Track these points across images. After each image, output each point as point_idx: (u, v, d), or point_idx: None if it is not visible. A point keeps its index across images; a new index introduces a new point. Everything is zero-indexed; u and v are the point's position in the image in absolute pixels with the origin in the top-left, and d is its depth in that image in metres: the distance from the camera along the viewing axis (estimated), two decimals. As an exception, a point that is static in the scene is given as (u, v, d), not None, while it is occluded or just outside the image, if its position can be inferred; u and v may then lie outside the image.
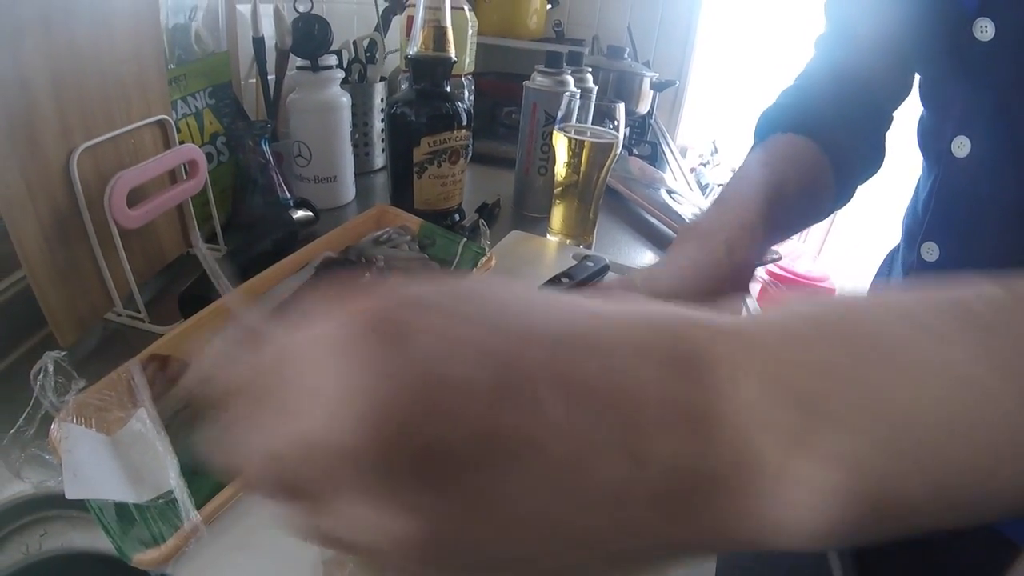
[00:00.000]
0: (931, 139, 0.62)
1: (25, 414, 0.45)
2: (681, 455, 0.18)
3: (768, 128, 0.61)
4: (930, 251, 0.61)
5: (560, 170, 0.87)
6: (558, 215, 0.92)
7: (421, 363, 0.17)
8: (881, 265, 0.82)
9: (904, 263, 0.68)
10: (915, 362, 0.19)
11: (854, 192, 0.65)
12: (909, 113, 0.66)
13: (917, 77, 0.63)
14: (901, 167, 0.74)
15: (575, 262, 0.79)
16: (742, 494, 0.18)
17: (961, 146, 0.55)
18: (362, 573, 0.40)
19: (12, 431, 0.44)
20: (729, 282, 0.46)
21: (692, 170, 2.86)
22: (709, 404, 0.19)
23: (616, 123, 0.84)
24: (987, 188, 0.54)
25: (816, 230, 2.95)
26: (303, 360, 0.19)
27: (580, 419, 0.18)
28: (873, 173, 0.66)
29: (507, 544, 0.19)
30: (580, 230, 0.92)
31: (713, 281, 0.45)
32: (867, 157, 0.64)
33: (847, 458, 0.18)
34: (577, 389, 0.18)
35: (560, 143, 0.85)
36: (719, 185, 2.38)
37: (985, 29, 0.50)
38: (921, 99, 0.64)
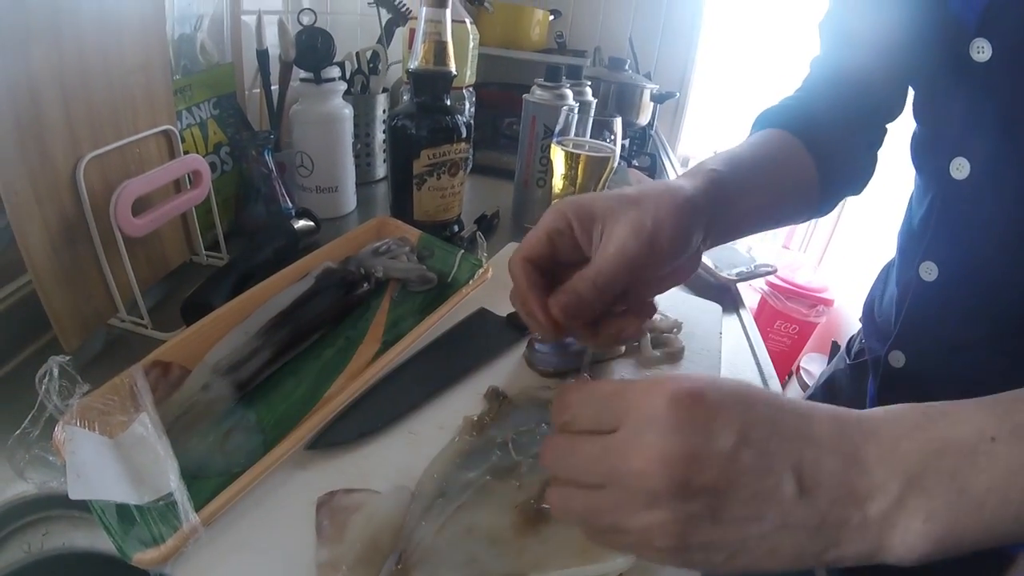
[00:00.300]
0: (927, 157, 0.63)
1: (30, 416, 0.45)
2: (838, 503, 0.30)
3: (761, 123, 0.62)
4: (929, 271, 0.61)
5: (557, 182, 0.88)
6: (555, 226, 0.93)
7: (710, 448, 0.31)
8: (876, 280, 0.82)
9: (900, 280, 0.68)
10: (976, 457, 0.29)
11: (836, 203, 0.66)
12: (910, 127, 0.67)
13: (911, 93, 0.64)
14: (904, 180, 0.74)
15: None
16: (865, 530, 0.30)
17: (960, 168, 0.55)
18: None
19: (17, 432, 0.45)
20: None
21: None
22: (859, 476, 0.30)
23: (613, 137, 0.86)
24: (987, 211, 0.55)
25: (817, 241, 2.95)
26: (640, 412, 0.32)
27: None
28: (859, 188, 0.66)
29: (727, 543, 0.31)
30: (576, 241, 0.93)
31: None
32: (855, 169, 0.65)
33: (926, 512, 0.29)
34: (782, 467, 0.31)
35: (557, 156, 0.86)
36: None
37: (982, 49, 0.50)
38: (915, 115, 0.64)
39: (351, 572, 0.41)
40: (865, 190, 0.68)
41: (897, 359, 0.68)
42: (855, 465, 0.30)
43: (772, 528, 0.30)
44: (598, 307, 0.44)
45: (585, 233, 0.44)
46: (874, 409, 0.33)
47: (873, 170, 0.67)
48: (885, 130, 0.66)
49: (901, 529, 0.29)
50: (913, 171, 0.68)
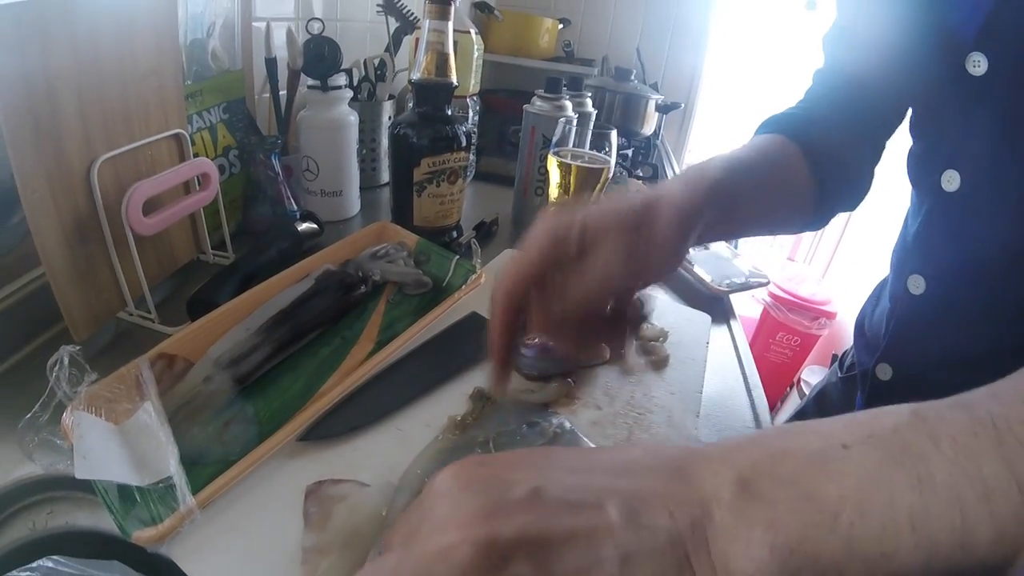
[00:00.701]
0: (921, 171, 0.63)
1: (40, 401, 0.48)
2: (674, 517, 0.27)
3: (764, 129, 0.63)
4: (916, 284, 0.62)
5: (553, 191, 0.91)
6: (551, 235, 0.95)
7: (507, 497, 0.27)
8: (870, 295, 0.83)
9: (891, 294, 0.69)
10: (825, 463, 0.27)
11: (829, 217, 0.66)
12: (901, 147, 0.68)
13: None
14: (908, 195, 0.75)
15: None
16: (710, 544, 0.26)
17: (950, 180, 0.56)
18: (341, 563, 0.43)
19: (28, 416, 0.48)
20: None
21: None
22: (687, 488, 0.28)
23: (608, 148, 0.88)
24: (974, 223, 0.55)
25: (821, 254, 2.96)
26: (427, 497, 0.29)
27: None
28: (853, 203, 0.67)
29: None
30: (572, 249, 0.96)
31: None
32: (851, 182, 0.65)
33: (766, 520, 0.26)
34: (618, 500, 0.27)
35: (553, 166, 0.89)
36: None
37: (978, 64, 0.50)
38: (911, 130, 0.65)
39: (337, 558, 0.43)
40: (864, 206, 0.68)
41: (884, 372, 0.69)
42: (680, 480, 0.28)
43: (616, 563, 0.25)
44: (584, 325, 0.44)
45: (574, 250, 0.45)
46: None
47: (868, 187, 0.67)
48: (883, 146, 0.67)
49: (743, 541, 0.25)
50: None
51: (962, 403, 0.28)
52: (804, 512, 0.25)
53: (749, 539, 0.25)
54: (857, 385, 0.80)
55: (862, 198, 0.68)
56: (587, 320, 0.44)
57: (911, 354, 0.66)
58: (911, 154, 0.66)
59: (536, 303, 0.45)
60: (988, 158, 0.52)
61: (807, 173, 0.60)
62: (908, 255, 0.65)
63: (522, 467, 0.29)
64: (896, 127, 0.66)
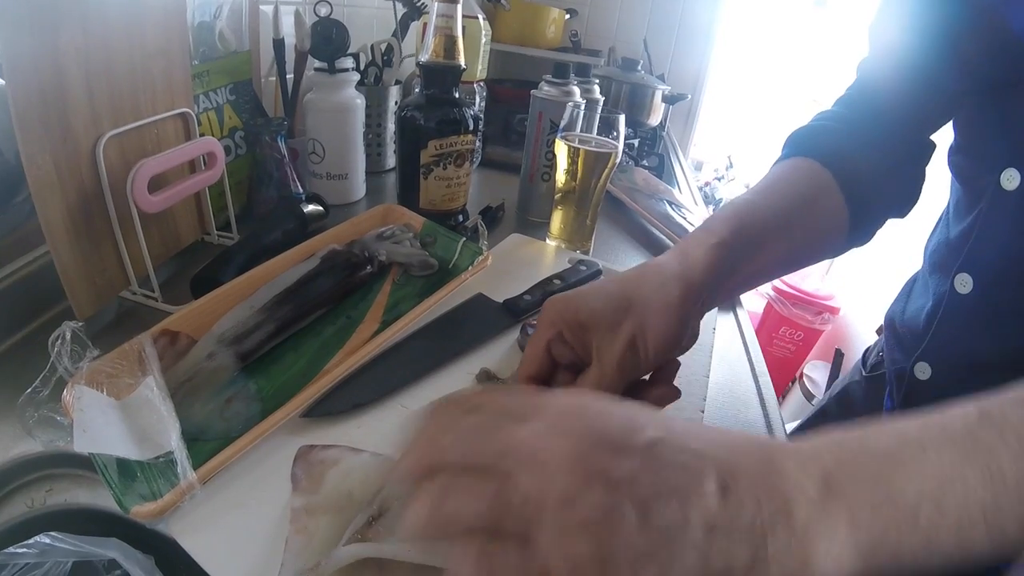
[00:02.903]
0: (976, 170, 0.62)
1: (41, 376, 0.48)
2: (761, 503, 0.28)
3: (790, 148, 0.62)
4: (964, 283, 0.61)
5: (560, 177, 0.90)
6: (557, 220, 0.95)
7: (630, 441, 0.29)
8: (899, 293, 0.82)
9: (935, 292, 0.67)
10: (905, 463, 0.27)
11: (875, 230, 0.64)
12: (941, 141, 0.65)
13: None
14: (928, 195, 0.73)
15: (569, 266, 0.82)
16: (791, 536, 0.27)
17: (1011, 179, 0.55)
18: (331, 523, 0.43)
19: (28, 391, 0.48)
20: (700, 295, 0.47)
21: (707, 184, 2.88)
22: (777, 477, 0.28)
23: (616, 133, 0.88)
24: None
25: (826, 250, 2.95)
26: (563, 401, 0.32)
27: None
28: (903, 209, 0.65)
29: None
30: (578, 236, 0.96)
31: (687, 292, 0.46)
32: (896, 189, 0.63)
33: (849, 517, 0.27)
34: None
35: (561, 151, 0.88)
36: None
37: None
38: (957, 128, 0.64)
39: (327, 519, 0.43)
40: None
41: (923, 371, 0.68)
42: (771, 467, 0.29)
43: (699, 533, 0.26)
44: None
45: (580, 343, 0.46)
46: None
47: (919, 189, 0.65)
48: (931, 144, 0.64)
49: (826, 537, 0.26)
50: (936, 184, 0.67)
51: (1020, 399, 0.29)
52: (887, 511, 0.26)
53: (832, 536, 0.26)
54: (886, 384, 0.78)
55: (913, 201, 0.66)
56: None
57: (953, 354, 0.65)
58: (958, 152, 0.65)
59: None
60: None
61: (840, 201, 0.58)
62: (952, 253, 0.63)
63: (648, 417, 0.31)
64: (942, 125, 0.64)
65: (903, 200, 0.65)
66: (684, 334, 0.47)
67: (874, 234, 0.65)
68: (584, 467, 0.27)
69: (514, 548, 0.27)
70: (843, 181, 0.58)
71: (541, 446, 0.29)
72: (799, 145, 0.62)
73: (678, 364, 0.51)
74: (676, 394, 0.49)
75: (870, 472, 0.28)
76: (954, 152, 0.65)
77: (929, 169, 0.65)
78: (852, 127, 0.62)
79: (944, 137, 0.65)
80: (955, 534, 0.26)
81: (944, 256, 0.66)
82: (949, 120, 0.64)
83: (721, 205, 0.58)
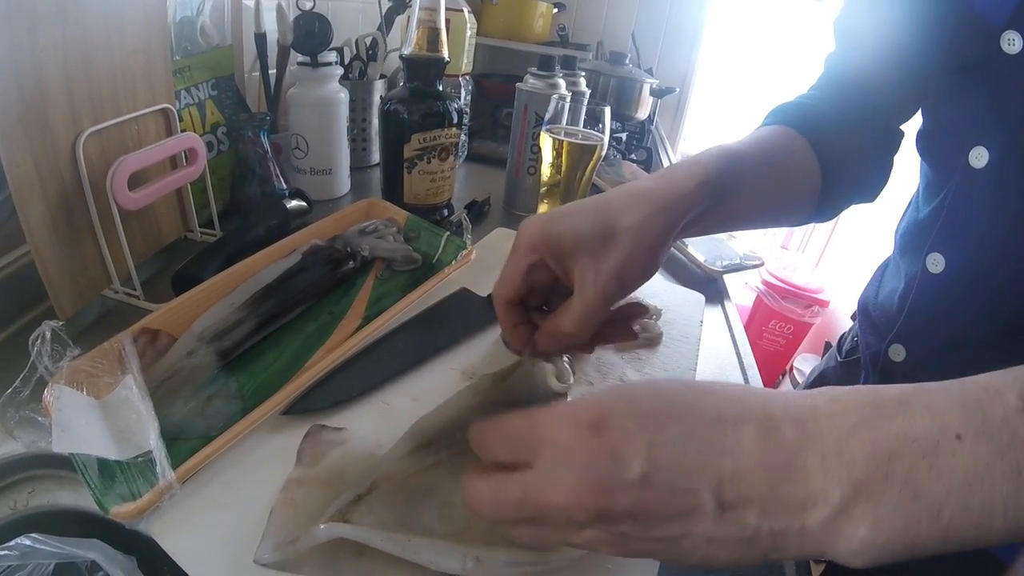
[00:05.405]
0: (943, 151, 0.62)
1: (21, 376, 0.47)
2: (769, 515, 0.29)
3: (772, 118, 0.63)
4: (935, 263, 0.61)
5: (545, 170, 0.90)
6: (543, 214, 0.95)
7: (621, 478, 0.30)
8: (871, 278, 0.82)
9: (906, 273, 0.68)
10: (937, 458, 0.27)
11: (840, 209, 0.66)
12: (908, 128, 0.67)
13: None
14: (905, 184, 0.74)
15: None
16: (804, 538, 0.29)
17: (979, 157, 0.55)
18: (317, 495, 0.44)
19: (8, 391, 0.47)
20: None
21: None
22: (795, 486, 0.29)
23: (601, 126, 0.88)
24: (1003, 197, 0.55)
25: (815, 242, 2.96)
26: (549, 448, 0.33)
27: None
28: (870, 195, 0.67)
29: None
30: (564, 229, 0.95)
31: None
32: (864, 174, 0.65)
33: (872, 521, 0.27)
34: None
35: (546, 143, 0.88)
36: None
37: (1013, 42, 0.50)
38: (926, 111, 0.64)
39: (315, 491, 0.44)
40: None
41: (897, 352, 0.68)
42: (790, 475, 0.29)
43: (702, 541, 0.30)
44: (584, 337, 0.47)
45: (561, 268, 0.46)
46: (817, 398, 0.31)
47: (886, 177, 0.67)
48: (899, 133, 0.67)
49: (845, 538, 0.28)
50: (910, 169, 0.68)
51: None
52: (910, 510, 0.27)
53: (851, 538, 0.28)
54: (861, 369, 0.79)
55: (880, 188, 0.68)
56: (588, 334, 0.47)
57: (927, 334, 0.65)
58: (925, 135, 0.65)
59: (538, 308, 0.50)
60: (1019, 132, 0.52)
61: (815, 167, 0.60)
62: (922, 234, 0.64)
63: (635, 445, 0.31)
64: (912, 114, 0.65)
65: (871, 185, 0.67)
66: (658, 266, 0.47)
67: (839, 212, 0.67)
68: (586, 510, 0.30)
69: None
70: (819, 153, 0.60)
71: (549, 501, 0.32)
72: (782, 115, 0.62)
73: (644, 309, 0.52)
74: (633, 336, 0.51)
75: (902, 472, 0.27)
76: (922, 136, 0.66)
77: (898, 156, 0.67)
78: (828, 108, 0.63)
79: (912, 124, 0.66)
80: (974, 528, 0.26)
81: (914, 237, 0.67)
82: (919, 108, 0.65)
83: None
